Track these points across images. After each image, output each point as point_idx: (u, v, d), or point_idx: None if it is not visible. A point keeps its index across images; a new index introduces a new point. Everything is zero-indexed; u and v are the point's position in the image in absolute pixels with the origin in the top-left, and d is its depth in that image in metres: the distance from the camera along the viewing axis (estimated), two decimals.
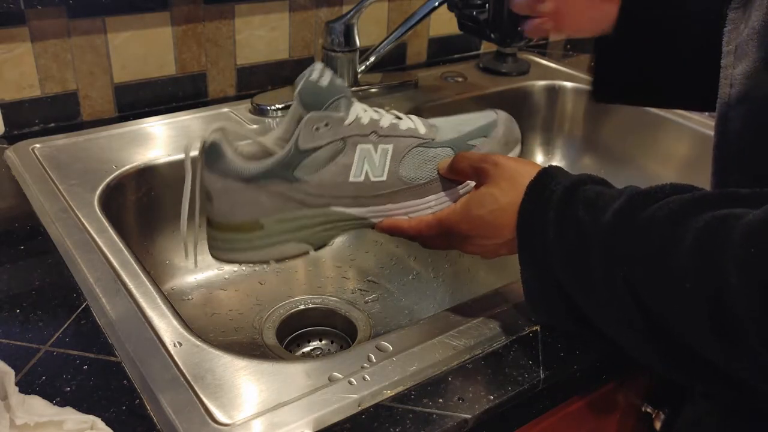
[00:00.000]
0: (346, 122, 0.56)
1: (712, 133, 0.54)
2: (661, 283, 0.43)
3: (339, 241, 0.96)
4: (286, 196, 0.56)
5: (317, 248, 0.59)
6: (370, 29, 1.09)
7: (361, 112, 0.57)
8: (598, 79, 0.69)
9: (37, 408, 0.46)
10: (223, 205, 0.56)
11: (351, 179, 0.56)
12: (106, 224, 0.68)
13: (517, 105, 1.14)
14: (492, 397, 0.51)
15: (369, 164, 0.57)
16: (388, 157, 0.57)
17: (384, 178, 0.57)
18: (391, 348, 0.54)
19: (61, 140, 0.84)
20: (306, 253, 0.59)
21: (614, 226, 0.46)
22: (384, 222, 0.59)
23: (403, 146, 0.58)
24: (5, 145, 0.82)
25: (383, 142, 0.57)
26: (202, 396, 0.48)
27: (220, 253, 0.59)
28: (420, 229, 0.58)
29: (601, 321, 0.50)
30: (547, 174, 0.53)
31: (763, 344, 0.38)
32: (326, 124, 0.55)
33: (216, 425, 0.46)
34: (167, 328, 0.55)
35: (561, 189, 0.51)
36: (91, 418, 0.45)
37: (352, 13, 0.94)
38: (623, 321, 0.47)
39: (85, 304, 0.58)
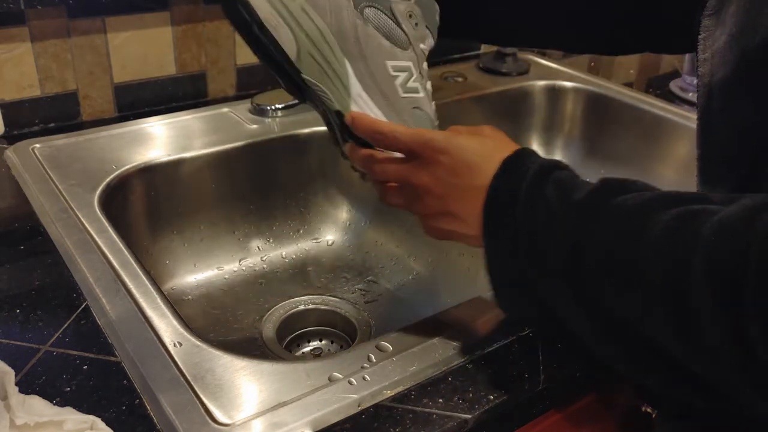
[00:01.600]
0: (423, 44, 0.56)
1: None
2: (623, 270, 0.42)
3: (339, 240, 0.96)
4: (337, 9, 0.54)
5: (288, 77, 0.55)
6: None
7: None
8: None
9: (37, 408, 0.46)
10: None
11: (389, 62, 0.56)
12: (106, 224, 0.68)
13: (517, 105, 1.14)
14: (492, 397, 0.51)
15: (407, 77, 0.56)
16: (423, 90, 0.57)
17: (402, 95, 0.57)
18: (391, 348, 0.54)
19: (61, 140, 0.83)
20: (282, 57, 0.54)
21: (584, 209, 0.45)
22: (359, 115, 0.55)
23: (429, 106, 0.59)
24: (5, 145, 0.82)
25: (427, 85, 0.58)
26: (202, 396, 0.48)
27: None
28: (393, 132, 0.54)
29: (555, 304, 0.48)
30: (525, 151, 0.52)
31: (722, 341, 0.38)
32: (416, 24, 0.56)
33: (216, 425, 0.46)
34: (167, 328, 0.55)
35: (536, 166, 0.50)
36: (91, 418, 0.45)
37: None
38: (577, 305, 0.46)
39: (85, 304, 0.58)
